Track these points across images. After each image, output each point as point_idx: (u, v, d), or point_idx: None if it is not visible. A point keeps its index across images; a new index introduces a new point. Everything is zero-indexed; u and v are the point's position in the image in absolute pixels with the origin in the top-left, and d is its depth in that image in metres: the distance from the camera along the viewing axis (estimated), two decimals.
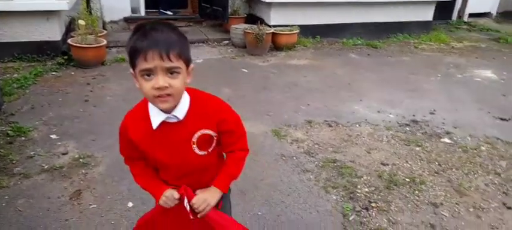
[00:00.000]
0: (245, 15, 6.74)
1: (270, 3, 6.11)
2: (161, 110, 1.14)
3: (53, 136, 3.07)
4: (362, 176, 2.73)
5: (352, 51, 6.12)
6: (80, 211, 2.26)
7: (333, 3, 6.48)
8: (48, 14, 4.78)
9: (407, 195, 2.53)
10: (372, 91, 4.41)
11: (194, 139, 1.19)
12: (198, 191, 1.28)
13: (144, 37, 1.05)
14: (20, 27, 4.73)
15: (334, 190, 2.56)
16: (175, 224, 1.31)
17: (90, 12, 5.54)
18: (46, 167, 2.66)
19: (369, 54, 5.98)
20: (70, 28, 5.46)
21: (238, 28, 5.90)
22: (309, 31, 6.37)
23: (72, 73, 4.58)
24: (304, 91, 4.31)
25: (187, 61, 1.12)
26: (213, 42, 6.18)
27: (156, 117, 1.15)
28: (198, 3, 7.02)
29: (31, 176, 2.54)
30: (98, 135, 3.11)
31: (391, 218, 2.31)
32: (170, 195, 1.25)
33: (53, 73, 4.52)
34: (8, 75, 4.25)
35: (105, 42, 4.98)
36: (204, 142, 1.21)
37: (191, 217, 1.26)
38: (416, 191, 2.58)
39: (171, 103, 1.11)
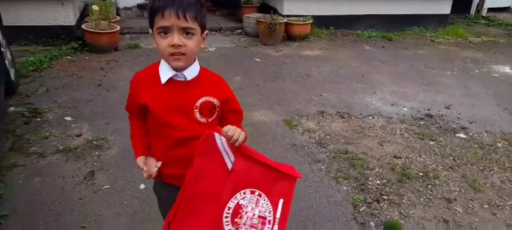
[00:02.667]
0: (258, 5, 6.70)
1: None
2: (173, 69, 1.19)
3: (68, 118, 3.11)
4: (374, 169, 2.71)
5: (366, 43, 6.04)
6: (93, 191, 2.29)
7: None
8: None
9: (420, 189, 2.51)
10: (386, 83, 4.36)
11: (198, 104, 1.22)
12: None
13: None
14: (35, 12, 4.78)
15: (345, 181, 2.55)
16: (213, 183, 1.23)
17: None
18: (61, 147, 2.70)
19: (383, 47, 5.89)
20: (84, 13, 5.50)
21: (251, 17, 5.86)
22: (322, 22, 6.30)
23: (87, 58, 4.62)
24: (316, 82, 4.27)
25: (203, 26, 1.18)
26: (226, 31, 6.16)
27: (166, 73, 1.20)
28: None
29: (46, 156, 2.59)
30: (110, 118, 3.13)
31: (402, 211, 2.29)
32: (139, 162, 1.34)
33: (68, 57, 4.56)
34: (24, 58, 4.30)
35: (118, 28, 5.01)
36: (206, 109, 1.24)
37: (230, 159, 1.20)
38: (430, 186, 2.55)
39: (184, 62, 1.17)
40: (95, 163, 2.56)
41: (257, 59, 4.95)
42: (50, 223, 2.03)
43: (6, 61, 3.25)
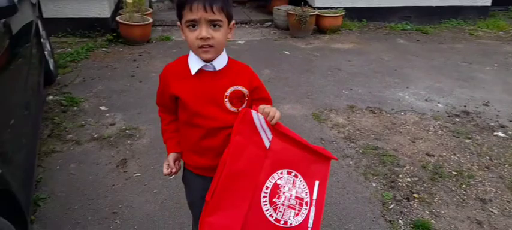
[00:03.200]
0: None
1: None
2: (202, 60, 1.21)
3: (102, 108, 3.23)
4: (405, 166, 2.64)
5: (400, 36, 5.85)
6: (125, 178, 2.37)
7: None
8: None
9: (453, 188, 2.42)
10: (420, 78, 4.21)
11: (227, 93, 1.24)
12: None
13: None
14: (73, 4, 4.96)
15: (375, 178, 2.50)
16: (251, 162, 1.23)
17: None
18: (95, 136, 2.80)
19: (418, 40, 5.69)
20: (119, 6, 5.65)
21: (281, 9, 5.82)
22: (354, 14, 6.16)
23: (120, 49, 4.75)
24: (347, 76, 4.20)
25: (230, 17, 1.20)
26: (255, 23, 6.15)
27: (195, 64, 1.23)
28: None
29: (82, 144, 2.70)
30: (143, 108, 3.22)
31: (434, 210, 2.22)
32: (170, 158, 1.38)
33: (103, 49, 4.72)
34: (62, 49, 4.49)
35: (151, 20, 5.12)
36: (236, 98, 1.26)
37: (268, 137, 1.21)
38: (464, 185, 2.45)
39: (212, 54, 1.19)
40: (127, 152, 2.64)
41: (286, 52, 4.92)
42: (84, 207, 2.13)
43: (46, 52, 3.40)
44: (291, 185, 1.25)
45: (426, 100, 3.69)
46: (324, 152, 1.33)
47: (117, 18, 4.93)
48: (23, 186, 1.66)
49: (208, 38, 1.15)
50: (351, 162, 2.66)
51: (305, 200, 1.27)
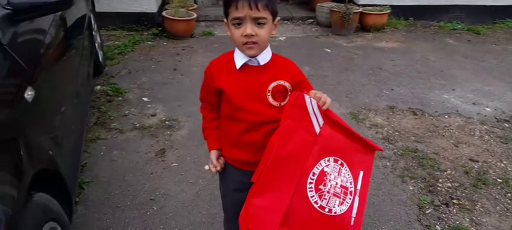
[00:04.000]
0: None
1: None
2: (247, 56, 1.24)
3: (145, 99, 3.38)
4: (445, 170, 2.53)
5: (449, 35, 5.58)
6: (163, 167, 2.48)
7: None
8: None
9: (497, 197, 2.29)
10: (467, 80, 4.00)
11: (270, 88, 1.25)
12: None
13: None
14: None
15: (412, 181, 2.42)
16: (299, 147, 1.22)
17: None
18: (137, 125, 2.94)
19: (469, 40, 5.39)
20: (165, 1, 5.85)
21: (325, 6, 5.74)
22: (401, 12, 5.94)
23: (165, 43, 4.93)
24: (389, 75, 4.07)
25: (274, 14, 1.22)
26: (297, 20, 6.12)
27: (240, 60, 1.26)
28: None
29: (125, 132, 2.85)
30: (183, 101, 3.33)
31: (474, 218, 2.12)
32: (212, 155, 1.41)
33: (148, 42, 4.91)
34: (110, 42, 4.73)
35: (195, 15, 5.25)
36: (279, 93, 1.27)
37: (318, 123, 1.21)
38: (509, 194, 2.31)
39: (256, 50, 1.22)
40: (166, 142, 2.75)
41: (327, 50, 4.86)
42: (124, 192, 2.25)
43: (96, 45, 3.60)
44: (337, 174, 1.24)
45: (473, 103, 3.50)
46: (370, 143, 1.31)
47: (163, 13, 5.11)
48: (70, 169, 1.78)
49: (252, 35, 1.17)
50: (388, 164, 2.59)
51: (350, 189, 1.26)
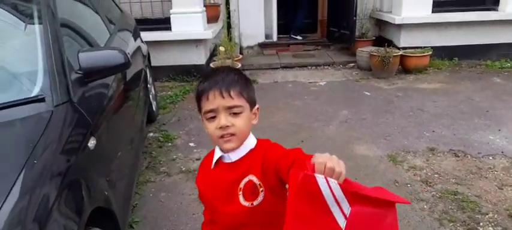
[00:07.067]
0: (373, 38, 6.65)
1: (400, 25, 5.92)
2: (225, 151, 1.14)
3: (191, 144, 3.66)
4: (487, 214, 2.47)
5: (497, 74, 5.41)
6: (203, 208, 2.67)
7: (476, 22, 5.85)
8: (197, 42, 5.68)
9: None
10: None
11: (241, 186, 1.12)
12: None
13: (207, 80, 1.12)
14: (175, 53, 5.72)
15: (451, 224, 2.39)
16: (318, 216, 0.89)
17: (230, 39, 6.32)
18: (184, 169, 3.20)
19: None
20: (213, 53, 6.33)
21: (365, 51, 5.87)
22: (444, 52, 5.90)
23: None
24: (430, 117, 4.05)
25: (251, 102, 1.14)
26: (338, 65, 6.29)
27: (216, 156, 1.17)
28: (327, 28, 7.25)
29: (172, 175, 3.11)
30: None
31: None
32: None
33: None
34: (163, 93, 5.19)
35: (239, 65, 5.63)
36: (249, 190, 1.11)
37: (344, 211, 0.86)
38: None
39: (235, 143, 1.11)
40: None
41: (367, 92, 4.93)
42: None
43: (150, 96, 4.02)
44: None
45: None
46: (397, 200, 0.97)
47: (211, 64, 5.54)
48: (122, 209, 2.03)
49: (228, 126, 1.07)
50: (425, 206, 2.58)
51: None
